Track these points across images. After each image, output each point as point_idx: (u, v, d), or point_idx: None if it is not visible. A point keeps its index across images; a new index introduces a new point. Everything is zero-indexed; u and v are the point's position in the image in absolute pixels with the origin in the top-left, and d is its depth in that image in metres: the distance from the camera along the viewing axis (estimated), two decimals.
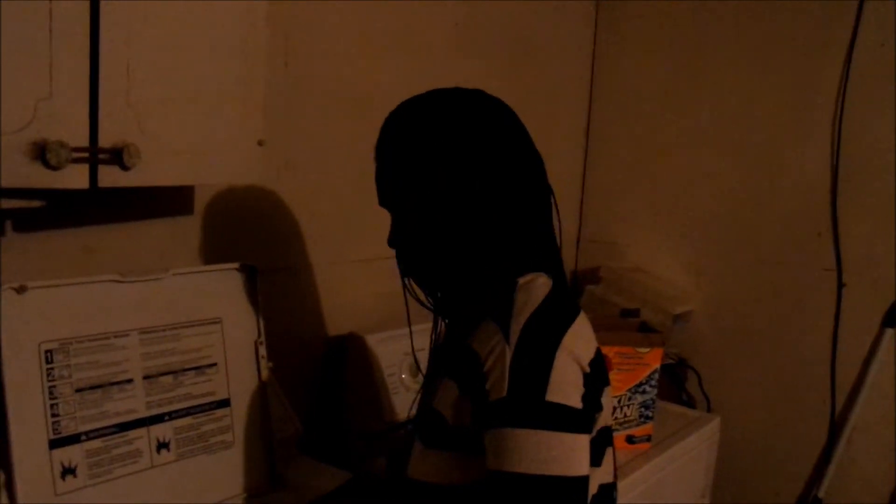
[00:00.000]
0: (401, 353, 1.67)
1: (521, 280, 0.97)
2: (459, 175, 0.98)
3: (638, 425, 1.71)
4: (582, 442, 0.88)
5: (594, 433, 0.96)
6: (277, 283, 1.58)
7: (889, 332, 2.00)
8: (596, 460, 0.98)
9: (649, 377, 1.69)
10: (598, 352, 0.96)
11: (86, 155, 0.96)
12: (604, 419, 0.98)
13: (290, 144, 1.59)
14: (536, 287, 0.95)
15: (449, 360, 1.01)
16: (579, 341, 0.91)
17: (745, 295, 2.25)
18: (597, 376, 0.94)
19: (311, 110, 1.63)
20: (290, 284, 1.64)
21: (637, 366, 1.68)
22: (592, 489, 0.98)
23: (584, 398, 0.89)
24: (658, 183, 2.40)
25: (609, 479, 1.03)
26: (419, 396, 1.14)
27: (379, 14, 1.74)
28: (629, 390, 1.68)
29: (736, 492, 2.24)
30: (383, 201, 1.06)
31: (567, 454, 0.86)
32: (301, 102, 1.61)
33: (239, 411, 1.35)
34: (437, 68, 1.90)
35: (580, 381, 0.90)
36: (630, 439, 1.71)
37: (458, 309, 1.07)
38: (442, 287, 1.07)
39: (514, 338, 0.89)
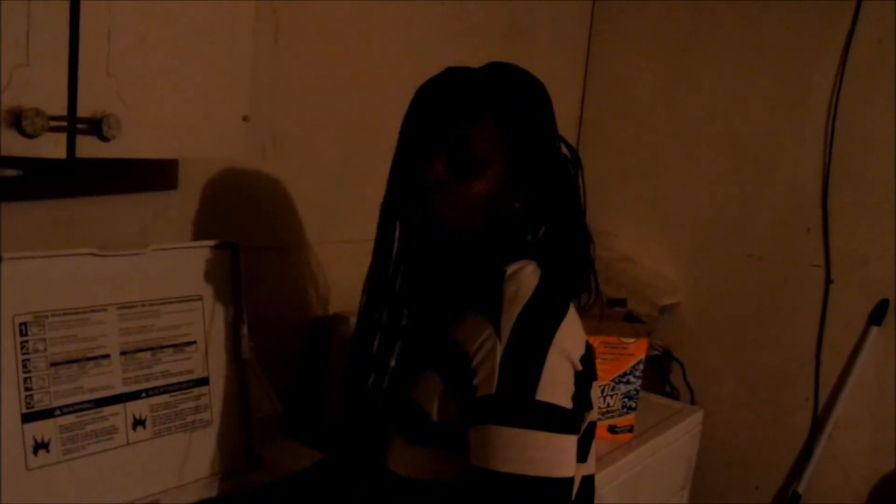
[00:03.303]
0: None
1: (509, 269, 0.94)
2: (543, 152, 0.97)
3: (620, 415, 1.70)
4: (569, 443, 0.87)
5: (583, 430, 0.94)
6: (261, 261, 1.56)
7: (874, 329, 2.00)
8: (583, 456, 0.96)
9: (633, 368, 1.69)
10: (588, 346, 0.95)
11: (63, 124, 0.93)
12: (592, 414, 0.97)
13: (277, 121, 1.57)
14: (525, 277, 0.93)
15: (431, 352, 0.98)
16: (571, 338, 0.90)
17: (731, 288, 2.24)
18: (587, 372, 0.93)
19: (299, 88, 1.61)
20: (274, 263, 1.62)
21: (622, 356, 1.67)
22: (576, 483, 0.96)
23: (575, 397, 0.88)
24: (649, 175, 2.39)
25: (592, 471, 1.02)
26: (374, 378, 1.07)
27: None
28: (613, 380, 1.67)
29: (716, 484, 2.24)
30: (449, 153, 0.94)
31: (554, 455, 0.85)
32: (289, 80, 1.58)
33: (217, 390, 1.34)
34: (426, 51, 1.88)
35: (571, 380, 0.88)
36: (612, 429, 1.70)
37: (438, 294, 1.04)
38: (441, 264, 1.02)
39: (505, 333, 0.87)
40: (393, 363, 1.01)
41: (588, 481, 1.01)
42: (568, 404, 0.87)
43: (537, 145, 0.97)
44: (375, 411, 1.06)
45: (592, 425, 0.99)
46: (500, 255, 0.96)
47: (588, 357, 0.94)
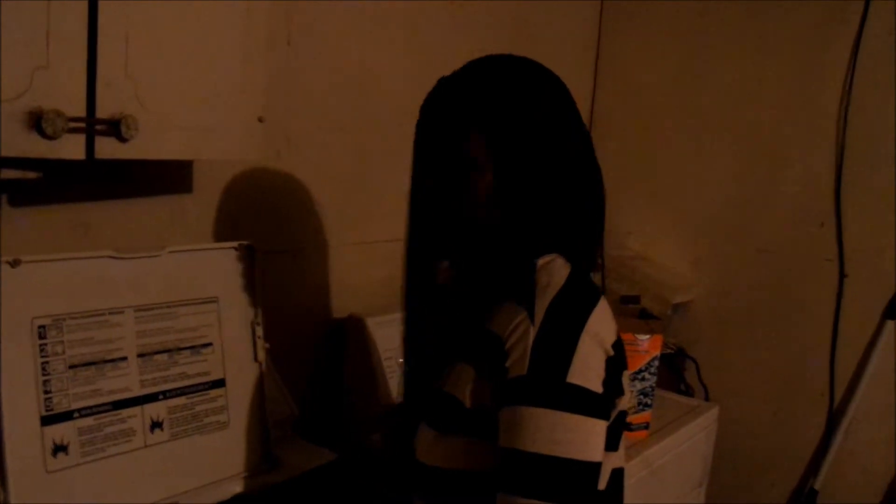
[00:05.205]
0: (399, 337, 1.65)
1: (540, 261, 0.95)
2: (548, 148, 0.97)
3: (636, 413, 1.70)
4: (599, 427, 0.87)
5: (613, 417, 0.95)
6: (276, 263, 1.56)
7: (890, 324, 1.99)
8: (614, 444, 0.96)
9: (648, 364, 1.68)
10: (619, 335, 0.95)
11: (82, 125, 0.94)
12: (623, 402, 0.97)
13: (291, 123, 1.57)
14: (557, 268, 0.94)
15: (464, 345, 0.99)
16: (603, 324, 0.91)
17: (745, 284, 2.23)
18: (618, 359, 0.93)
19: (313, 89, 1.61)
20: (290, 265, 1.62)
21: (636, 353, 1.66)
22: (606, 474, 0.96)
23: (606, 383, 0.89)
24: (661, 171, 2.39)
25: (621, 463, 1.02)
26: (407, 379, 1.13)
27: None
28: (628, 377, 1.67)
29: (732, 481, 2.24)
30: (459, 155, 0.96)
31: (583, 438, 0.85)
32: (303, 81, 1.59)
33: (234, 392, 1.34)
34: (437, 51, 1.88)
35: (602, 366, 0.89)
36: (628, 427, 1.70)
37: (473, 289, 1.05)
38: (472, 258, 1.02)
39: (538, 317, 0.88)
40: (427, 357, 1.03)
41: (618, 474, 1.00)
42: (598, 389, 0.87)
43: (529, 143, 0.96)
44: (407, 405, 1.07)
45: (623, 414, 0.99)
46: (527, 250, 0.97)
47: (619, 345, 0.94)
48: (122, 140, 0.97)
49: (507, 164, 0.95)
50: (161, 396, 1.25)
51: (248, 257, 1.37)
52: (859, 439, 2.06)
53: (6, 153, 0.89)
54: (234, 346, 1.35)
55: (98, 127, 0.95)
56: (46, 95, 0.89)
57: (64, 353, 1.13)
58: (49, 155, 0.90)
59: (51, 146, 0.90)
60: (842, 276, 2.06)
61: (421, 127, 1.02)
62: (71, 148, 0.93)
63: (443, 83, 1.01)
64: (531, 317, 0.88)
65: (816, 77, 2.07)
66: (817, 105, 2.07)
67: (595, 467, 0.86)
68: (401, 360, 1.62)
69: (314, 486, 1.32)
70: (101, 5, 0.94)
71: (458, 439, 0.95)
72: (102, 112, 0.96)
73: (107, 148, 0.96)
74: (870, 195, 2.01)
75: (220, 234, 1.47)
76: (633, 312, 1.81)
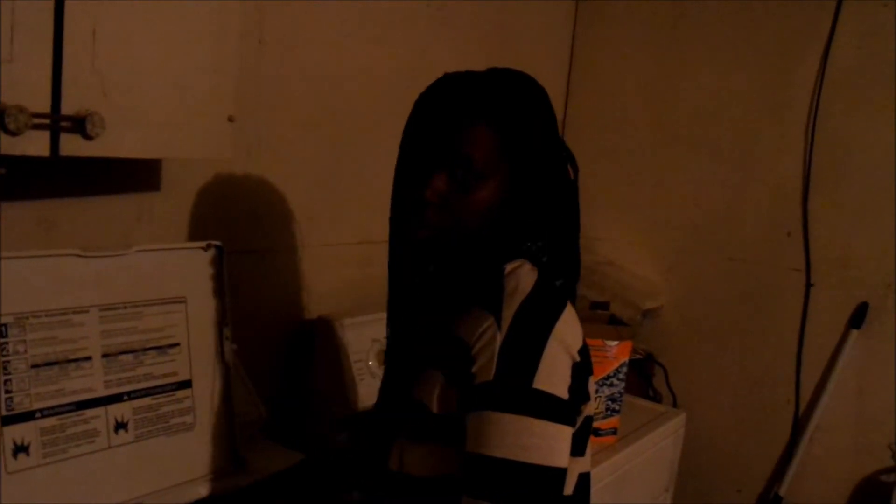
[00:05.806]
0: (369, 340, 1.65)
1: (508, 267, 0.95)
2: (545, 157, 0.98)
3: (604, 418, 1.70)
4: (565, 433, 0.87)
5: (580, 423, 0.95)
6: (245, 264, 1.55)
7: (854, 333, 2.01)
8: (580, 450, 0.97)
9: (617, 370, 1.69)
10: (585, 341, 0.95)
11: (47, 122, 0.92)
12: (589, 408, 0.98)
13: (262, 123, 1.56)
14: (524, 274, 0.94)
15: (433, 351, 0.99)
16: (570, 330, 0.91)
17: (713, 292, 2.26)
18: (584, 365, 0.93)
19: (285, 89, 1.60)
20: (259, 266, 1.61)
21: (605, 359, 1.67)
22: (573, 479, 0.97)
23: (572, 389, 0.89)
24: (632, 178, 2.40)
25: (588, 468, 1.02)
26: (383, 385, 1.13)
27: None
28: (597, 383, 1.67)
29: (698, 487, 2.25)
30: (457, 158, 0.94)
31: (549, 444, 0.85)
32: (275, 81, 1.58)
33: (201, 393, 1.33)
34: (411, 52, 1.88)
35: (568, 372, 0.89)
36: (596, 432, 1.70)
37: (440, 295, 1.05)
38: (451, 265, 1.02)
39: (506, 323, 0.88)
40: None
41: (584, 479, 1.01)
42: (564, 395, 0.87)
43: (537, 151, 0.97)
44: (381, 412, 1.07)
45: (589, 420, 0.99)
46: (498, 256, 0.97)
47: (585, 351, 0.94)
48: (88, 137, 0.96)
49: (520, 174, 0.95)
50: (126, 397, 1.23)
51: (217, 257, 1.35)
52: (824, 446, 2.09)
53: None
54: (202, 346, 1.34)
55: (63, 123, 0.94)
56: (10, 90, 0.88)
57: (26, 352, 1.11)
58: (12, 151, 0.89)
59: (14, 142, 0.88)
60: (808, 285, 2.08)
61: (419, 120, 0.98)
62: (35, 144, 0.92)
63: (453, 78, 0.98)
64: (498, 323, 0.88)
65: (786, 89, 2.10)
66: (786, 116, 2.10)
67: (560, 473, 0.86)
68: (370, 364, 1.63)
69: (281, 488, 1.31)
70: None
71: (428, 446, 0.95)
72: (68, 108, 0.94)
73: (72, 145, 0.95)
74: (836, 206, 2.04)
75: (189, 233, 1.46)
76: (603, 318, 1.82)
